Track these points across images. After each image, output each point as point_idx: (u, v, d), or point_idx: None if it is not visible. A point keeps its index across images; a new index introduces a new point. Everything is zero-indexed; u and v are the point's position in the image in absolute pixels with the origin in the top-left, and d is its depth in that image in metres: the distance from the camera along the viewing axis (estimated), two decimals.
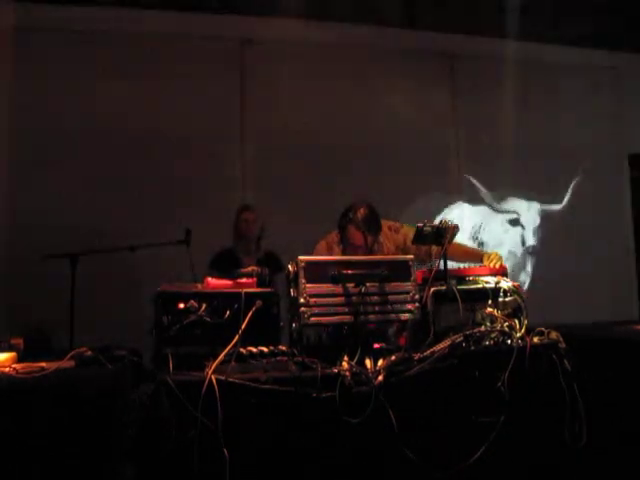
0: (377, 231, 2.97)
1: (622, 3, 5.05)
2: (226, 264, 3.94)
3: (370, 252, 2.91)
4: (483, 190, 5.78)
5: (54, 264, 3.58)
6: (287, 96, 5.16)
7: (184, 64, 5.00)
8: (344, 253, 3.00)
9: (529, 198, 5.88)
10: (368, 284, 2.18)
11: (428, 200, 5.56)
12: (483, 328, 2.29)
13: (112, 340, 2.30)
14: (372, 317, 2.20)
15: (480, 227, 5.83)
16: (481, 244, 5.78)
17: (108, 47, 4.84)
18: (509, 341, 2.27)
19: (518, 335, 2.28)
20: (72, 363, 2.09)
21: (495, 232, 5.87)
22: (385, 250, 3.08)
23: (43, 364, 2.03)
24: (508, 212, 5.90)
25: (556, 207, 5.94)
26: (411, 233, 2.68)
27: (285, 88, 5.16)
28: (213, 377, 1.86)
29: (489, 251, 3.06)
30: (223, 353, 1.94)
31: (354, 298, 2.17)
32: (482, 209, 5.84)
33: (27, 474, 1.83)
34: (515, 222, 5.90)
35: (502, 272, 2.55)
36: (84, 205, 4.66)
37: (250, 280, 2.25)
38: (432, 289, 2.29)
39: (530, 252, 5.85)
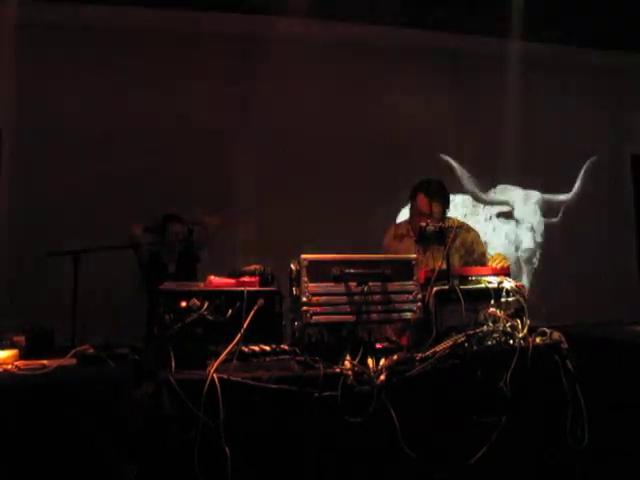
0: (445, 203, 3.07)
1: (623, 3, 5.05)
2: (153, 268, 4.05)
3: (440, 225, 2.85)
4: (466, 176, 5.40)
5: (56, 262, 3.58)
6: (288, 95, 5.16)
7: (186, 63, 5.01)
8: (413, 227, 3.05)
9: (531, 197, 5.86)
10: (370, 283, 2.18)
11: None
12: (485, 328, 2.28)
13: (114, 338, 2.30)
14: (374, 316, 2.20)
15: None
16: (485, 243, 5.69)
17: (109, 45, 4.84)
18: (511, 341, 2.26)
19: (520, 335, 2.28)
20: (74, 361, 2.10)
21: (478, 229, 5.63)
22: (456, 241, 3.02)
23: (45, 362, 2.04)
24: (498, 203, 5.49)
25: (558, 207, 5.91)
26: (479, 239, 3.05)
27: (287, 87, 5.17)
28: (215, 376, 1.85)
29: (492, 253, 3.06)
30: (225, 352, 1.94)
31: (356, 297, 2.16)
32: (486, 209, 5.79)
33: (28, 472, 1.83)
34: (508, 215, 5.60)
35: (505, 272, 2.55)
36: (86, 204, 4.67)
37: (252, 278, 2.24)
38: (434, 289, 2.29)
39: (524, 260, 5.75)
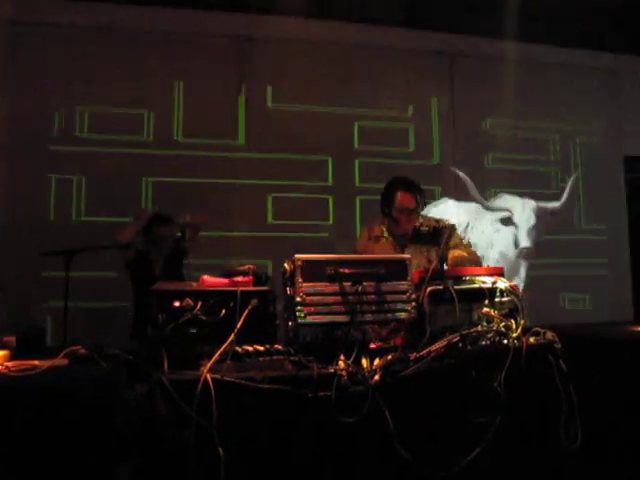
0: (422, 193, 3.04)
1: (621, 5, 5.08)
2: (140, 268, 3.99)
3: (434, 226, 2.85)
4: (472, 185, 5.57)
5: (49, 262, 3.56)
6: (287, 95, 5.16)
7: (184, 62, 5.00)
8: (395, 227, 3.02)
9: (524, 197, 5.87)
10: (365, 283, 2.17)
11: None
12: (479, 328, 2.28)
13: (107, 338, 2.29)
14: (369, 316, 2.20)
15: (468, 226, 5.64)
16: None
17: (106, 44, 4.83)
18: (505, 341, 2.26)
19: (514, 335, 2.28)
20: (66, 361, 2.08)
21: (485, 232, 5.63)
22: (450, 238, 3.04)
23: (36, 362, 2.01)
24: (500, 210, 5.65)
25: (552, 207, 5.91)
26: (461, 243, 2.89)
27: (285, 87, 5.17)
28: (208, 376, 1.84)
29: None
30: (219, 352, 1.93)
31: (351, 297, 2.16)
32: (473, 206, 5.72)
33: (20, 473, 1.81)
34: (508, 221, 5.67)
35: (499, 272, 2.55)
36: (82, 204, 4.66)
37: (246, 278, 2.23)
38: (429, 289, 2.28)
39: (523, 255, 5.71)
